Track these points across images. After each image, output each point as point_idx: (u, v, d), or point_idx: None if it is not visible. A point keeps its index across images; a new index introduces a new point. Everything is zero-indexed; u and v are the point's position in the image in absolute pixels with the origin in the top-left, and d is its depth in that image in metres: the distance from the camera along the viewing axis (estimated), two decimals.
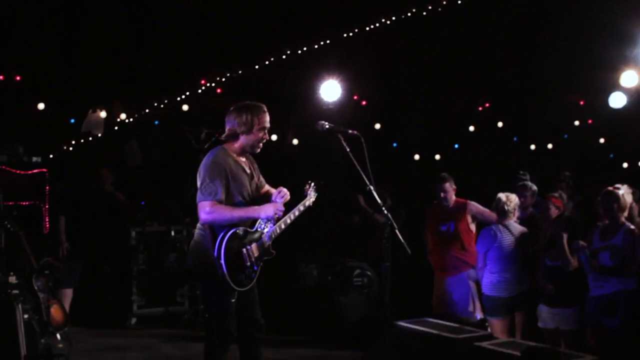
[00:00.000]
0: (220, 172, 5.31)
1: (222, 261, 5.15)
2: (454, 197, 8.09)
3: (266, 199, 5.59)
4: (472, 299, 7.78)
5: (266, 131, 5.53)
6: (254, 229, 5.46)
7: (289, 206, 5.72)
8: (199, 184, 5.36)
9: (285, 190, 5.60)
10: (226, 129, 5.52)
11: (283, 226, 5.60)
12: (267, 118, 5.50)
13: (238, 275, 5.26)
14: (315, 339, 9.20)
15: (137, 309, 10.04)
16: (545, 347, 5.65)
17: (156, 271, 10.19)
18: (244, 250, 5.33)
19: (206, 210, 5.23)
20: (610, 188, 6.86)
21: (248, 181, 5.51)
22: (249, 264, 5.34)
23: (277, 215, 5.43)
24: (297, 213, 5.70)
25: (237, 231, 5.31)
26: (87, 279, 9.63)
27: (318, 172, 11.76)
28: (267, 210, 5.38)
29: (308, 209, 5.82)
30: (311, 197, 5.86)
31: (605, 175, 9.89)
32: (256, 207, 5.42)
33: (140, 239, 10.18)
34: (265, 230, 5.51)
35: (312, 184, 5.92)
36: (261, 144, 5.55)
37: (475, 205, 7.97)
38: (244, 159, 5.56)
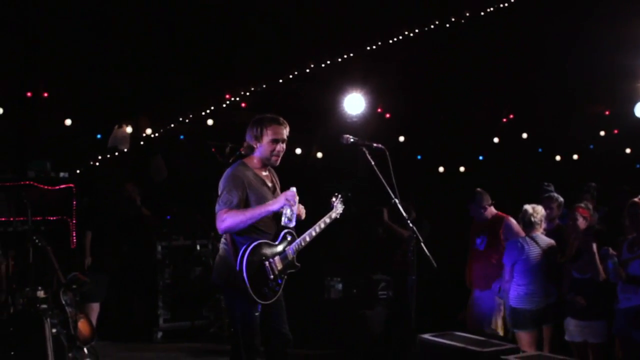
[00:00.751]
0: (237, 185, 5.34)
1: (244, 274, 5.17)
2: (489, 211, 8.08)
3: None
4: (497, 314, 7.72)
5: (280, 143, 5.50)
6: (277, 242, 5.47)
7: (313, 219, 5.73)
8: (218, 196, 5.39)
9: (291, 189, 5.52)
10: (244, 144, 5.58)
11: (308, 239, 5.60)
12: (280, 130, 5.49)
13: (261, 288, 5.27)
14: (340, 353, 9.18)
15: (163, 322, 10.08)
16: None
17: (182, 285, 10.24)
18: (267, 263, 5.34)
19: (221, 219, 5.27)
20: (636, 199, 6.80)
21: (270, 194, 5.51)
22: (272, 276, 5.34)
23: (290, 203, 5.35)
24: (322, 225, 5.70)
25: (259, 244, 5.33)
26: (114, 293, 9.69)
27: (343, 185, 11.81)
28: (279, 201, 5.34)
29: (334, 221, 5.82)
30: (337, 210, 5.85)
31: (631, 185, 9.78)
32: (268, 202, 5.38)
33: (166, 253, 10.24)
34: (289, 243, 5.51)
35: (339, 196, 5.92)
36: (275, 157, 5.53)
37: (511, 222, 7.90)
38: (265, 173, 5.58)
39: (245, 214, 5.28)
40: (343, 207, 5.90)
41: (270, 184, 5.58)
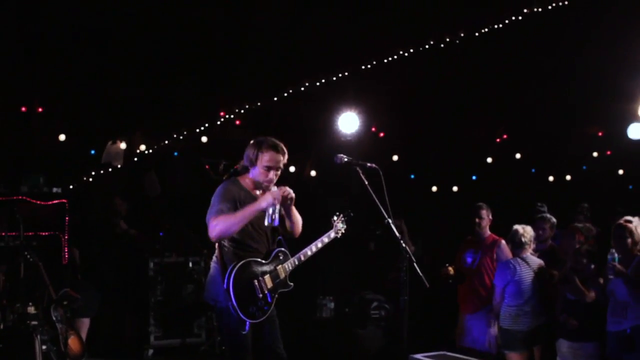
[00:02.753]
0: (228, 197, 5.29)
1: (231, 292, 5.13)
2: (487, 228, 8.07)
3: (276, 232, 5.55)
4: (489, 334, 7.71)
5: (273, 171, 5.43)
6: (268, 260, 5.43)
7: (306, 237, 5.71)
8: (209, 208, 5.34)
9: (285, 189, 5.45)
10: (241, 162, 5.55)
11: (303, 258, 5.56)
12: (276, 158, 5.41)
13: (249, 307, 5.22)
14: None
15: (154, 340, 10.03)
16: None
17: (174, 302, 10.20)
18: (256, 281, 5.29)
19: (212, 225, 5.19)
20: (621, 221, 6.82)
21: (261, 212, 5.46)
22: (260, 295, 5.29)
23: (277, 200, 5.24)
24: (319, 245, 5.65)
25: (248, 262, 5.29)
26: (105, 309, 9.65)
27: (336, 202, 11.82)
28: (266, 199, 5.24)
29: (333, 240, 5.77)
30: (338, 229, 5.80)
31: (624, 206, 9.81)
32: (256, 201, 5.29)
33: (158, 269, 10.21)
34: (281, 262, 5.47)
35: (341, 215, 5.87)
36: (267, 182, 5.45)
37: (504, 246, 7.87)
38: (258, 192, 5.51)
39: (236, 215, 5.20)
40: (345, 226, 5.84)
41: None
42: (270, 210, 5.26)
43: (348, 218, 5.87)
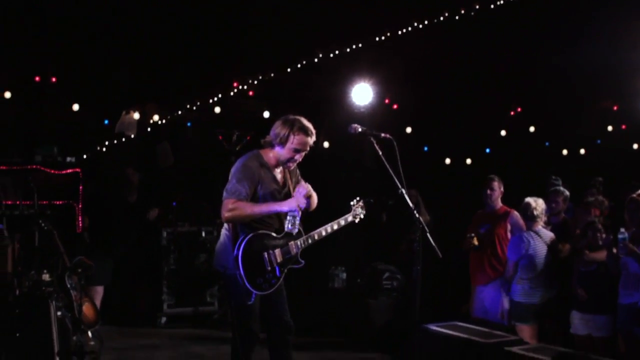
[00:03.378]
0: (248, 176, 5.31)
1: (240, 261, 5.18)
2: (499, 200, 8.07)
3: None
4: (502, 306, 7.72)
5: (301, 154, 5.45)
6: (280, 235, 5.45)
7: (321, 218, 5.71)
8: (227, 183, 5.37)
9: (305, 186, 5.49)
10: (268, 135, 5.51)
11: (316, 237, 5.56)
12: (306, 141, 5.42)
13: (257, 278, 5.26)
14: (344, 342, 9.21)
15: (167, 308, 10.13)
16: (576, 352, 5.62)
17: (186, 271, 10.28)
18: (266, 254, 5.32)
19: (227, 208, 5.23)
20: (634, 195, 6.80)
21: (277, 193, 5.48)
22: (269, 268, 5.32)
23: (300, 209, 5.34)
24: (335, 227, 5.65)
25: (261, 234, 5.32)
26: (119, 278, 9.72)
27: (349, 175, 11.82)
28: (290, 204, 5.31)
29: (350, 224, 5.76)
30: (357, 213, 5.77)
31: (639, 181, 9.75)
32: (279, 202, 5.37)
33: (171, 239, 10.28)
34: (294, 238, 5.48)
35: (360, 200, 5.85)
36: (291, 163, 5.50)
37: (517, 217, 7.87)
38: (278, 169, 5.53)
39: (254, 209, 5.26)
40: (364, 212, 5.82)
41: (280, 182, 5.54)
42: (290, 218, 5.37)
43: (368, 205, 5.85)
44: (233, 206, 5.23)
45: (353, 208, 5.80)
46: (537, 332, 7.31)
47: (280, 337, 5.60)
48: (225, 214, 5.26)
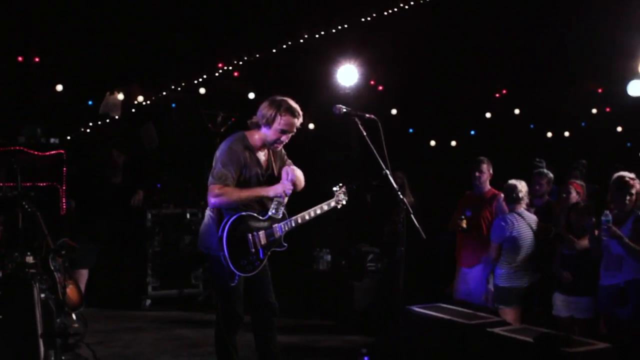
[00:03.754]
0: (233, 160, 5.31)
1: (225, 242, 5.19)
2: (488, 182, 8.07)
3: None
4: (486, 289, 7.73)
5: (287, 135, 5.44)
6: (265, 217, 5.44)
7: (307, 201, 5.71)
8: (213, 167, 5.37)
9: (291, 169, 5.52)
10: (255, 116, 5.49)
11: (300, 221, 5.57)
12: (293, 122, 5.41)
13: (240, 260, 5.27)
14: (328, 324, 9.24)
15: (151, 290, 10.11)
16: (558, 333, 5.65)
17: (171, 253, 10.27)
18: (250, 235, 5.33)
19: (214, 193, 5.26)
20: (626, 177, 6.79)
21: (261, 175, 5.48)
22: (253, 250, 5.33)
23: (286, 195, 5.40)
24: (318, 211, 5.66)
25: (245, 216, 5.32)
26: (103, 260, 9.69)
27: (335, 157, 11.81)
28: (275, 189, 5.37)
29: (333, 210, 5.78)
30: (339, 199, 5.78)
31: (621, 164, 9.81)
32: (265, 187, 5.41)
33: (155, 221, 10.24)
34: (278, 221, 5.49)
35: (343, 186, 5.85)
36: (277, 144, 5.49)
37: (504, 202, 7.87)
38: (263, 152, 5.52)
39: (241, 194, 5.29)
40: (346, 198, 5.83)
41: (264, 165, 5.53)
42: (275, 202, 5.41)
43: (351, 190, 5.86)
44: (219, 192, 5.24)
45: (336, 194, 5.81)
46: (521, 316, 7.33)
47: (264, 319, 5.61)
48: (212, 199, 5.28)
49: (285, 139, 5.48)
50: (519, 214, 7.38)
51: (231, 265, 5.21)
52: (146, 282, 10.08)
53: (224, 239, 5.20)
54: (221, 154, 5.37)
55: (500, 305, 7.41)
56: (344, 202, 5.84)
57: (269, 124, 5.39)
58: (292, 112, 5.41)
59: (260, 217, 5.43)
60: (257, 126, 5.48)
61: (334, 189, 5.83)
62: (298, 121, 5.46)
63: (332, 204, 5.76)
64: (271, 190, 5.38)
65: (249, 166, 5.39)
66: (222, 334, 5.45)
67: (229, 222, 5.24)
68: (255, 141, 5.48)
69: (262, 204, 5.49)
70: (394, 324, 5.72)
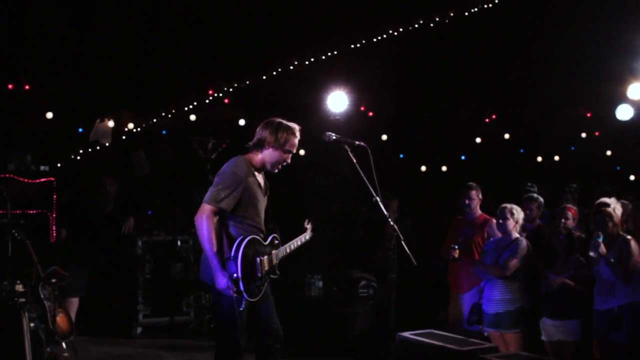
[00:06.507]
0: (234, 183, 5.22)
1: (239, 263, 5.08)
2: (478, 208, 8.06)
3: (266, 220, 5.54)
4: (478, 314, 7.69)
5: (290, 155, 5.43)
6: (266, 242, 5.41)
7: (298, 226, 5.71)
8: (211, 187, 5.27)
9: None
10: (255, 139, 5.44)
11: (288, 250, 5.56)
12: (296, 142, 5.42)
13: (250, 284, 5.17)
14: (320, 350, 9.19)
15: (142, 318, 10.04)
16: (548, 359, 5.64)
17: (162, 281, 10.20)
18: (258, 259, 5.27)
19: (202, 214, 5.13)
20: (601, 207, 6.82)
21: (262, 197, 5.44)
22: (259, 274, 5.27)
23: (230, 292, 5.11)
24: (298, 243, 5.67)
25: (255, 239, 5.25)
26: (94, 288, 9.63)
27: (325, 182, 11.82)
28: (220, 280, 5.09)
29: (306, 243, 5.79)
30: (307, 235, 5.78)
31: (611, 187, 9.84)
32: (219, 266, 5.11)
33: (146, 248, 10.19)
34: (275, 247, 5.48)
35: (309, 223, 5.83)
36: (279, 166, 5.46)
37: (494, 226, 7.86)
38: (260, 174, 5.48)
39: (207, 243, 5.09)
40: (312, 234, 5.80)
41: (263, 187, 5.49)
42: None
43: (315, 226, 5.82)
44: (205, 217, 5.13)
45: (307, 229, 5.81)
46: (511, 340, 7.29)
47: (269, 347, 5.49)
48: (197, 219, 5.16)
49: (288, 159, 5.46)
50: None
51: (243, 289, 5.10)
52: (137, 309, 10.01)
53: (239, 261, 5.09)
54: (222, 175, 5.29)
55: (487, 329, 7.34)
56: (308, 237, 5.78)
57: (281, 146, 5.36)
58: (295, 133, 5.42)
59: (264, 242, 5.39)
60: (259, 147, 5.43)
61: (305, 223, 5.82)
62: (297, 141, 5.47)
63: (304, 239, 5.74)
64: (218, 278, 5.09)
65: (250, 187, 5.32)
66: None
67: (243, 244, 5.14)
68: (255, 162, 5.43)
69: (262, 226, 5.46)
70: (387, 351, 5.69)
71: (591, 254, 6.54)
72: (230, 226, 5.28)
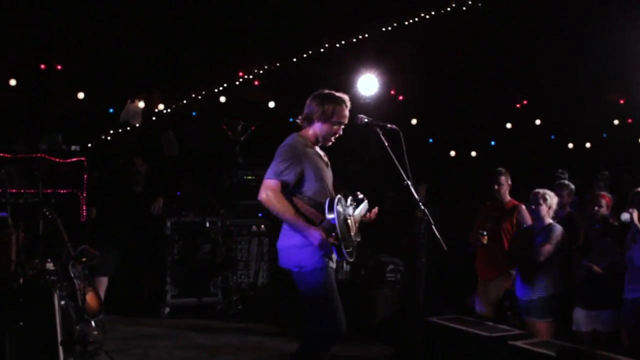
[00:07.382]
0: (294, 156, 5.11)
1: (335, 220, 4.88)
2: (507, 194, 7.99)
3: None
4: (508, 301, 7.65)
5: (341, 127, 5.33)
6: (347, 204, 5.22)
7: None
8: (272, 164, 5.14)
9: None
10: (304, 113, 5.35)
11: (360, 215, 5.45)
12: (346, 113, 5.31)
13: (348, 245, 5.00)
14: (346, 334, 9.18)
15: (170, 298, 10.10)
16: (580, 347, 5.59)
17: (190, 262, 10.25)
18: (349, 219, 5.12)
19: (266, 188, 5.00)
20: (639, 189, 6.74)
21: (326, 168, 5.34)
22: (353, 233, 5.13)
23: (328, 243, 4.94)
24: (364, 211, 5.52)
25: (341, 198, 5.08)
26: (123, 268, 9.70)
27: (352, 167, 11.79)
28: (314, 235, 4.94)
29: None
30: (366, 203, 5.60)
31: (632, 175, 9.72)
32: (310, 225, 4.98)
33: (175, 229, 10.23)
34: (354, 209, 5.31)
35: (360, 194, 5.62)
36: (333, 138, 5.35)
37: (525, 213, 7.74)
38: (318, 148, 5.38)
39: (286, 213, 4.96)
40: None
41: (325, 159, 5.40)
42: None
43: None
44: (271, 192, 4.98)
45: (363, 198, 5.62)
46: (544, 328, 7.23)
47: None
48: (263, 195, 5.01)
49: (340, 131, 5.35)
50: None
51: (344, 249, 4.91)
52: (165, 290, 10.08)
53: (335, 218, 4.89)
54: (280, 151, 5.17)
55: (523, 316, 7.29)
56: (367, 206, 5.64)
57: (329, 118, 5.24)
58: (343, 104, 5.31)
59: (346, 204, 5.21)
60: (309, 121, 5.33)
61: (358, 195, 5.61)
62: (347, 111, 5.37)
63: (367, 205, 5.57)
64: (313, 236, 4.95)
65: (313, 160, 5.19)
66: (315, 352, 5.22)
67: (335, 201, 4.96)
68: (310, 137, 5.33)
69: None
70: (414, 335, 5.68)
71: (623, 217, 6.43)
72: (304, 202, 5.12)
